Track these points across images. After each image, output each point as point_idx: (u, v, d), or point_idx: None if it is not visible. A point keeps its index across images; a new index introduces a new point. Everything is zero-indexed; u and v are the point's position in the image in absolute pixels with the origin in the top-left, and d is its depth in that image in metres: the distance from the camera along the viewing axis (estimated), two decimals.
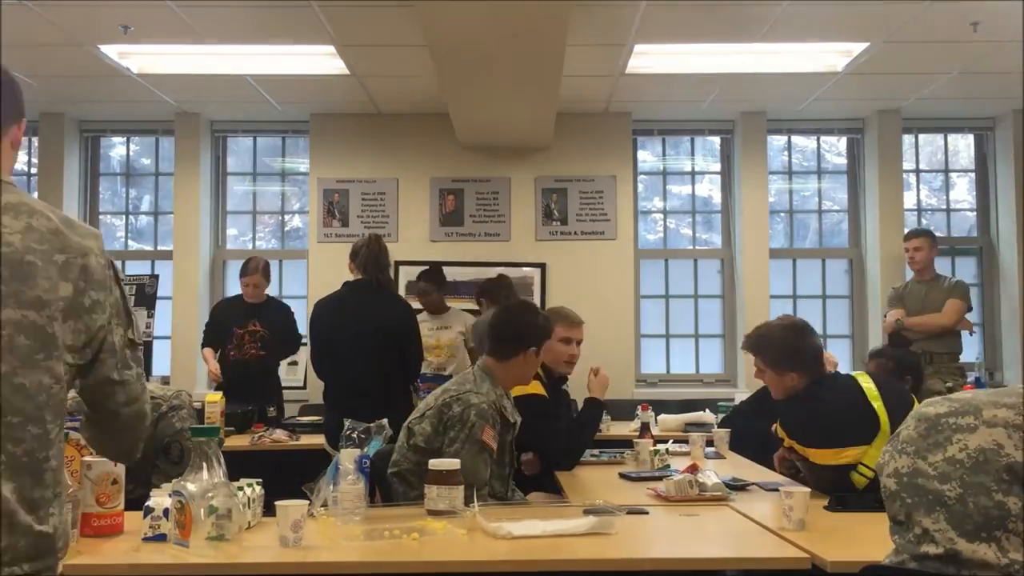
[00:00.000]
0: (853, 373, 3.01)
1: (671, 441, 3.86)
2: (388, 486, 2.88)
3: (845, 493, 2.58)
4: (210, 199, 7.15)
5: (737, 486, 2.95)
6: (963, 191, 7.45)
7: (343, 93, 6.38)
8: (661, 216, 7.41)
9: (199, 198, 6.98)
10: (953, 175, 7.44)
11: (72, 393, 3.39)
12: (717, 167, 7.35)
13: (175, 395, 3.35)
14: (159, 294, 6.88)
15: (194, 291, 6.88)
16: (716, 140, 7.33)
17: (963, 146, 7.44)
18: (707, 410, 5.12)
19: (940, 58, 5.70)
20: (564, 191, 6.90)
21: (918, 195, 7.39)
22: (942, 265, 6.70)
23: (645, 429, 3.97)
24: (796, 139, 7.40)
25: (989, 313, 7.11)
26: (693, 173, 7.40)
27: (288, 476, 2.78)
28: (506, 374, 3.03)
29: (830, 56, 5.68)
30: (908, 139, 7.22)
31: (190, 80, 6.07)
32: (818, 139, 7.40)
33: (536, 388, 3.58)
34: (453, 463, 2.52)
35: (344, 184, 6.92)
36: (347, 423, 2.86)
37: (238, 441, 4.62)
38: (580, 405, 3.89)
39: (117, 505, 2.30)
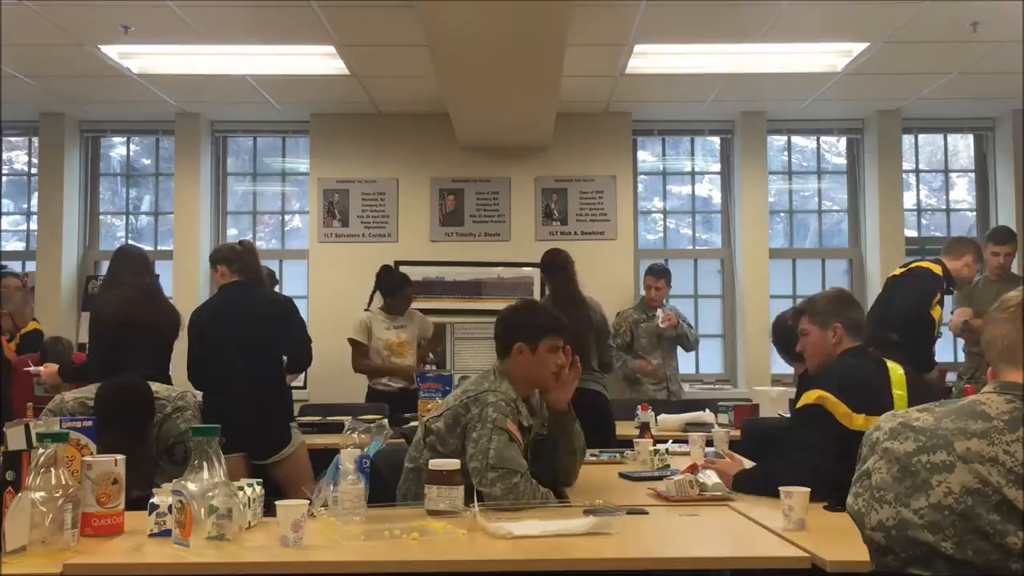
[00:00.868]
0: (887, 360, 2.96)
1: (671, 441, 3.85)
2: (384, 484, 2.88)
3: (845, 493, 2.58)
4: (210, 199, 7.15)
5: None
6: (963, 191, 7.45)
7: (343, 93, 6.38)
8: (661, 216, 7.41)
9: (199, 198, 6.98)
10: (953, 175, 7.44)
11: (73, 394, 3.40)
12: (717, 167, 7.35)
13: (180, 396, 3.35)
14: None
15: (194, 291, 6.87)
16: (716, 140, 7.33)
17: (963, 146, 7.44)
18: (707, 410, 5.12)
19: (940, 58, 5.70)
20: (564, 191, 6.90)
21: (918, 195, 7.39)
22: None
23: (645, 429, 3.97)
24: (796, 139, 7.41)
25: None
26: (693, 173, 7.40)
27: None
28: (512, 374, 2.95)
29: (830, 56, 5.69)
30: (908, 139, 7.22)
31: (190, 80, 6.07)
32: (818, 139, 7.40)
33: None
34: (453, 463, 2.52)
35: (344, 184, 6.92)
36: (347, 422, 2.86)
37: None
38: None
39: (117, 505, 2.30)
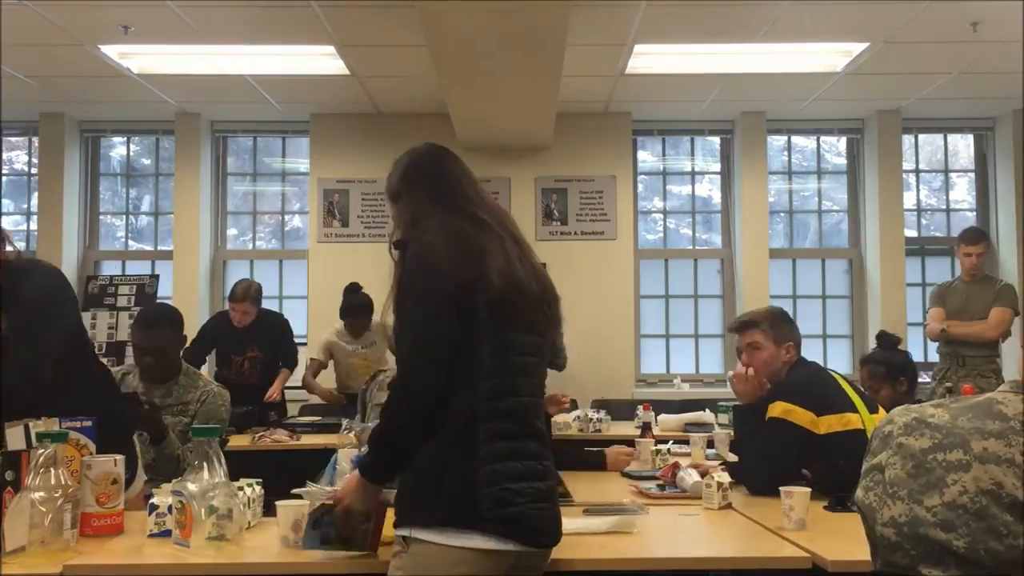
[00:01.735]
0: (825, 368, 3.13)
1: (671, 441, 3.85)
2: None
3: (845, 493, 2.58)
4: (210, 199, 7.15)
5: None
6: (963, 191, 7.45)
7: (343, 93, 6.38)
8: (661, 216, 7.41)
9: (199, 198, 6.98)
10: (953, 175, 7.44)
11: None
12: (717, 167, 7.35)
13: (218, 384, 3.68)
14: (159, 294, 6.88)
15: (194, 291, 6.88)
16: (716, 140, 7.33)
17: (963, 146, 7.44)
18: (707, 410, 5.12)
19: (940, 58, 5.70)
20: (564, 191, 6.90)
21: (918, 195, 7.39)
22: (942, 264, 6.73)
23: (646, 429, 3.97)
24: (796, 139, 7.40)
25: None
26: (693, 173, 7.40)
27: (288, 476, 2.78)
28: None
29: (830, 56, 5.68)
30: (908, 139, 7.22)
31: (190, 80, 6.07)
32: (818, 139, 7.40)
33: None
34: None
35: (344, 184, 6.92)
36: (344, 422, 2.86)
37: (238, 441, 4.62)
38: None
39: (117, 505, 2.30)
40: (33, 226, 7.13)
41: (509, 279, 1.96)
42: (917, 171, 7.38)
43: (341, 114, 6.89)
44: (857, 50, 5.51)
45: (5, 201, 7.38)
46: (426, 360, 1.89)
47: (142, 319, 3.54)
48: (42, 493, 2.05)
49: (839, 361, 7.06)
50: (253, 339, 5.56)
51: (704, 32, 5.23)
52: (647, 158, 7.41)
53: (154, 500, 2.25)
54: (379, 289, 5.70)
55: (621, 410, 5.51)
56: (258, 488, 2.44)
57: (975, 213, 7.31)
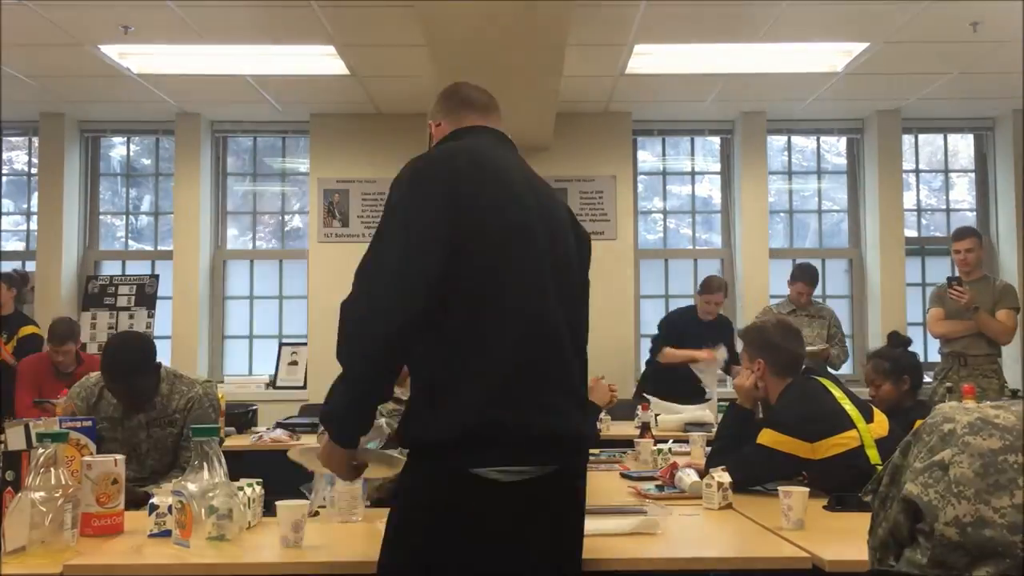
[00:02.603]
0: (817, 378, 3.04)
1: (671, 441, 3.86)
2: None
3: (845, 493, 2.58)
4: (210, 199, 7.15)
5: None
6: (963, 191, 7.45)
7: (343, 93, 6.38)
8: (661, 216, 7.41)
9: (199, 198, 6.98)
10: (953, 175, 7.44)
11: (96, 375, 3.48)
12: (717, 167, 7.35)
13: (205, 384, 3.59)
14: (159, 294, 6.89)
15: (194, 291, 6.88)
16: (716, 140, 7.33)
17: (963, 146, 7.44)
18: (707, 410, 5.11)
19: (940, 58, 5.70)
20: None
21: (918, 195, 7.39)
22: (942, 264, 6.72)
23: (646, 429, 3.97)
24: (796, 139, 7.40)
25: None
26: (693, 173, 7.40)
27: (288, 476, 2.78)
28: None
29: (830, 56, 5.68)
30: (908, 139, 7.22)
31: (190, 80, 6.07)
32: (818, 139, 7.40)
33: None
34: None
35: (344, 184, 6.92)
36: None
37: (238, 441, 4.62)
38: None
39: (117, 505, 2.30)
40: (33, 226, 7.13)
41: None
42: (917, 171, 7.38)
43: (341, 114, 6.89)
44: (857, 50, 5.51)
45: (5, 201, 7.38)
46: None
47: (106, 358, 3.27)
48: (42, 493, 2.05)
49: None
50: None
51: (704, 32, 5.23)
52: (647, 158, 7.41)
53: (154, 500, 2.25)
54: None
55: (621, 410, 5.50)
56: (258, 488, 2.44)
57: (975, 213, 7.31)
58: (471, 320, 1.79)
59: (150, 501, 2.27)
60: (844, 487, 2.59)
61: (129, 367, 3.22)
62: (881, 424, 2.82)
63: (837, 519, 2.47)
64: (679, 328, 5.85)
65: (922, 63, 5.81)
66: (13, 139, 7.33)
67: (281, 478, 2.61)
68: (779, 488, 2.40)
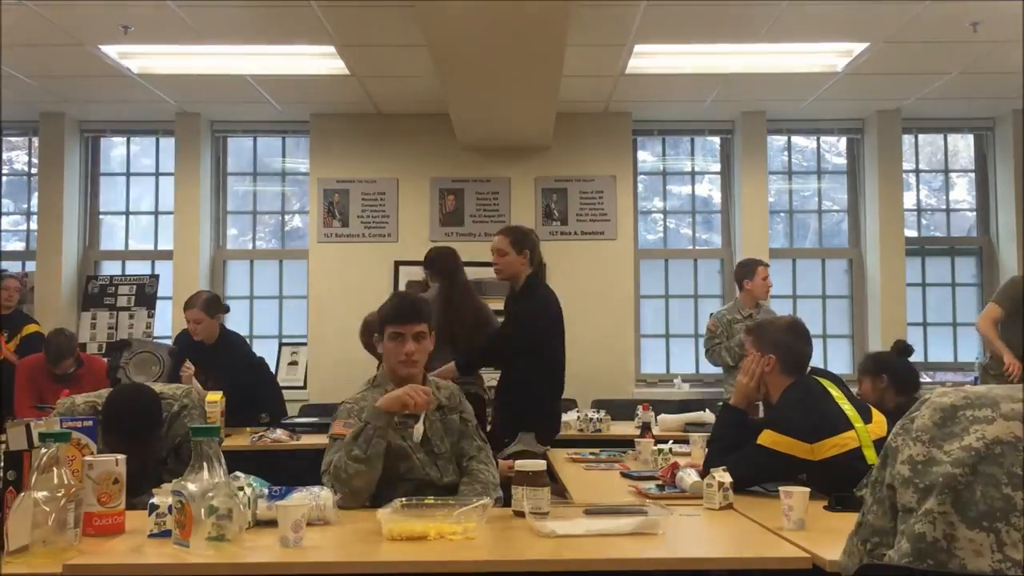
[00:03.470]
0: (817, 378, 3.03)
1: (671, 441, 3.86)
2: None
3: (845, 493, 2.59)
4: (210, 199, 7.15)
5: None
6: (963, 191, 7.45)
7: (343, 93, 6.38)
8: (661, 216, 7.41)
9: (199, 198, 6.98)
10: (953, 175, 7.44)
11: (83, 397, 3.39)
12: (717, 167, 7.35)
13: (185, 394, 3.33)
14: (159, 294, 6.89)
15: (194, 291, 6.86)
16: (716, 140, 7.33)
17: (963, 146, 7.44)
18: (707, 410, 5.12)
19: (940, 58, 5.70)
20: (564, 191, 6.91)
21: (918, 195, 7.39)
22: (942, 264, 6.73)
23: (646, 429, 3.97)
24: (796, 139, 7.41)
25: None
26: (693, 173, 7.40)
27: (288, 476, 2.78)
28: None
29: (830, 56, 5.69)
30: (908, 139, 7.22)
31: (190, 80, 6.08)
32: (818, 139, 7.40)
33: None
34: (539, 464, 2.49)
35: (344, 184, 6.92)
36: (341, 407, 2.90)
37: (238, 441, 4.62)
38: None
39: (118, 504, 2.30)
40: (33, 226, 7.13)
41: None
42: (917, 171, 7.39)
43: (341, 114, 6.89)
44: (857, 50, 5.51)
45: (5, 201, 7.38)
46: None
47: (110, 421, 2.91)
48: (45, 493, 2.05)
49: (839, 361, 7.07)
50: (207, 361, 4.91)
51: (704, 32, 5.23)
52: (647, 158, 7.41)
53: (154, 500, 2.25)
54: (380, 289, 5.70)
55: (621, 410, 5.51)
56: (258, 488, 2.44)
57: (975, 213, 7.31)
58: None
59: (150, 501, 2.27)
60: (843, 487, 2.59)
61: (137, 433, 2.92)
62: (879, 424, 2.82)
63: (837, 519, 2.47)
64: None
65: (922, 63, 5.81)
66: (13, 139, 7.33)
67: (281, 478, 2.60)
68: (780, 488, 2.40)
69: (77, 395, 3.34)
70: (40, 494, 2.04)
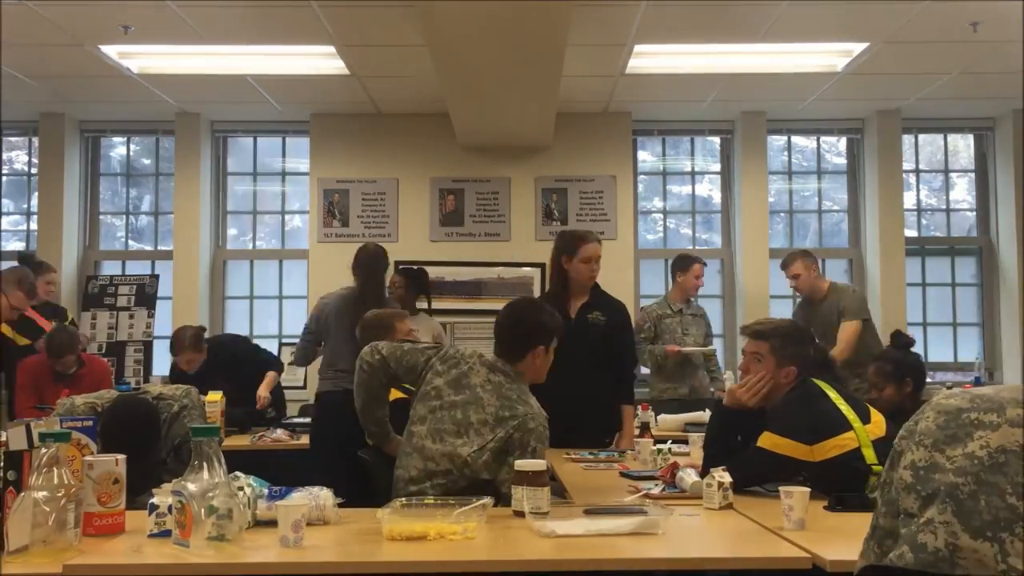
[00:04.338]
0: (814, 380, 3.01)
1: (670, 441, 3.86)
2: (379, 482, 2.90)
3: (845, 493, 2.59)
4: (210, 199, 7.15)
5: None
6: (963, 191, 7.45)
7: (343, 93, 6.38)
8: (661, 216, 7.41)
9: (199, 198, 6.98)
10: (953, 175, 7.44)
11: (82, 398, 3.39)
12: (717, 167, 7.35)
13: (185, 394, 3.34)
14: (159, 294, 6.89)
15: (194, 291, 6.88)
16: (716, 140, 7.33)
17: (963, 146, 7.44)
18: (707, 410, 5.11)
19: (940, 58, 5.70)
20: (564, 191, 6.91)
21: (918, 195, 7.39)
22: (942, 264, 6.73)
23: (645, 429, 3.97)
24: (796, 139, 7.41)
25: (989, 313, 7.12)
26: (693, 173, 7.40)
27: (288, 476, 2.78)
28: (526, 377, 2.95)
29: (830, 56, 5.69)
30: (908, 139, 7.22)
31: (190, 80, 6.08)
32: (818, 139, 7.40)
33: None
34: (539, 464, 2.49)
35: (344, 184, 6.92)
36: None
37: (238, 441, 4.63)
38: None
39: (118, 504, 2.30)
40: (33, 226, 7.13)
41: None
42: (917, 171, 7.39)
43: (341, 114, 6.89)
44: (857, 50, 5.51)
45: (5, 201, 7.38)
46: None
47: (109, 433, 2.86)
48: (45, 493, 2.05)
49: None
50: (213, 380, 4.93)
51: (704, 32, 5.23)
52: (647, 158, 7.41)
53: (154, 500, 2.25)
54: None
55: None
56: (259, 488, 2.44)
57: (975, 213, 7.31)
58: None
59: (150, 501, 2.27)
60: (843, 487, 2.59)
61: (136, 446, 2.83)
62: (878, 424, 2.82)
63: (838, 519, 2.48)
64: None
65: (922, 63, 5.81)
66: (13, 139, 7.33)
67: (281, 478, 2.60)
68: (780, 488, 2.40)
69: (77, 395, 3.34)
70: (40, 494, 2.04)
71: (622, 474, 3.39)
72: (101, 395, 3.34)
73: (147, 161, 7.53)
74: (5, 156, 7.31)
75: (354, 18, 4.95)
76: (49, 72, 5.97)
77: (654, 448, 3.60)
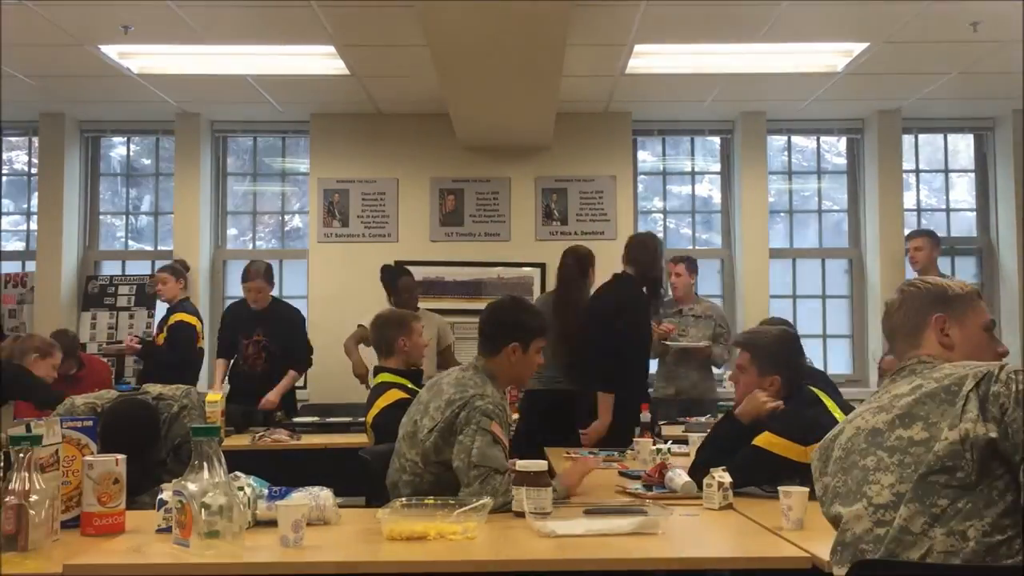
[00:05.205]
0: (810, 387, 3.03)
1: (670, 441, 3.86)
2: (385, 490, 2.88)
3: None
4: (210, 199, 7.15)
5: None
6: (963, 191, 7.45)
7: (343, 93, 6.38)
8: (661, 216, 7.41)
9: (199, 198, 6.98)
10: (953, 175, 7.44)
11: (82, 399, 3.39)
12: (717, 167, 7.35)
13: (184, 394, 3.34)
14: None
15: (194, 291, 6.86)
16: (716, 140, 7.33)
17: (963, 146, 7.44)
18: (709, 416, 5.11)
19: (940, 58, 5.70)
20: (564, 191, 6.91)
21: (918, 195, 7.39)
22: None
23: (645, 428, 3.97)
24: (796, 139, 7.41)
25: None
26: (693, 173, 7.40)
27: (288, 476, 2.78)
28: (497, 373, 2.90)
29: (830, 56, 5.69)
30: (908, 139, 7.22)
31: (190, 80, 6.07)
32: (818, 139, 7.40)
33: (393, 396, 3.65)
34: (541, 464, 2.49)
35: (344, 184, 6.92)
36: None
37: (238, 441, 4.62)
38: None
39: (118, 504, 2.31)
40: (33, 226, 7.13)
41: None
42: (917, 171, 7.38)
43: (341, 114, 6.89)
44: (857, 50, 5.51)
45: (5, 201, 7.38)
46: None
47: (108, 435, 2.76)
48: (36, 496, 2.04)
49: (839, 361, 7.07)
50: (263, 324, 5.40)
51: (704, 32, 5.23)
52: (647, 158, 7.41)
53: (163, 496, 2.26)
54: (380, 289, 5.71)
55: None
56: (259, 488, 2.44)
57: (975, 213, 7.31)
58: None
59: (159, 496, 2.27)
60: None
61: (135, 449, 2.83)
62: None
63: None
64: None
65: (922, 63, 5.81)
66: (13, 139, 7.33)
67: (281, 478, 2.60)
68: (779, 488, 2.41)
69: (77, 396, 3.34)
70: (33, 497, 2.04)
71: (621, 473, 3.39)
72: (101, 395, 3.34)
73: (147, 161, 7.53)
74: (5, 156, 7.31)
75: (354, 18, 4.95)
76: (49, 72, 5.97)
77: (654, 448, 3.60)
